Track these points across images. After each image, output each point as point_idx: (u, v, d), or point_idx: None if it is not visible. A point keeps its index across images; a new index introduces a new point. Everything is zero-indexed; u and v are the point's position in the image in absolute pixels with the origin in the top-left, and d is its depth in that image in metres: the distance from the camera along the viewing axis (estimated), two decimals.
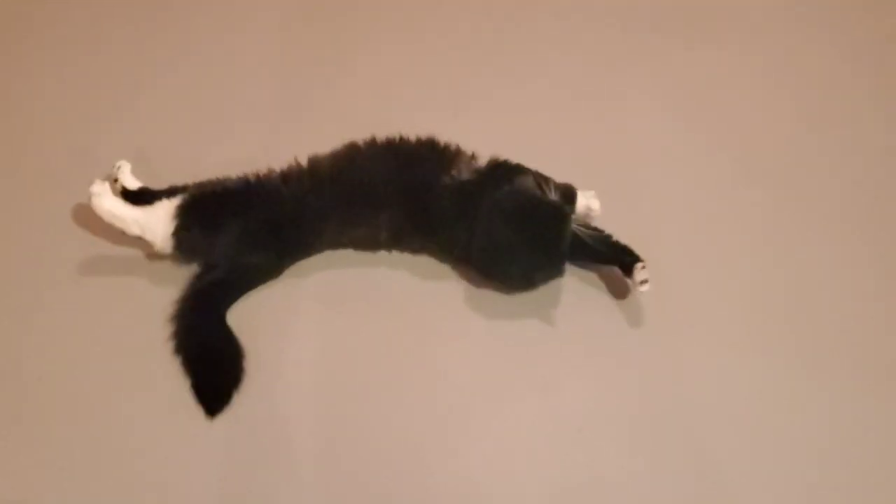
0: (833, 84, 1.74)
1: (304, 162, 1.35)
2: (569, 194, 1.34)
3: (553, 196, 1.30)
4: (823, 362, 1.29)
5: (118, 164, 1.40)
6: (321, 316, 1.32)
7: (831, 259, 1.42)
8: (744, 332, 1.33)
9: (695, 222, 1.47)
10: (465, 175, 1.34)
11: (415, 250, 1.39)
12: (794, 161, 1.58)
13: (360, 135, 1.37)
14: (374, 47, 1.79)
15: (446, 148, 1.36)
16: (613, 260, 1.34)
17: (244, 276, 1.33)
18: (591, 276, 1.38)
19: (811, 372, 1.28)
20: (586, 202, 1.37)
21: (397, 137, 1.37)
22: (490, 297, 1.35)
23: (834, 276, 1.40)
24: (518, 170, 1.37)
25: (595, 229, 1.34)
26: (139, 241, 1.32)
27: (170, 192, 1.35)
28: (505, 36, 1.83)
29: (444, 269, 1.38)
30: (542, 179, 1.33)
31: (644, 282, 1.28)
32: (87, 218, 1.37)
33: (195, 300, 1.29)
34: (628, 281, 1.32)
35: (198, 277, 1.32)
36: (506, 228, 1.28)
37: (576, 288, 1.36)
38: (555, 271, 1.33)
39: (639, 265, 1.29)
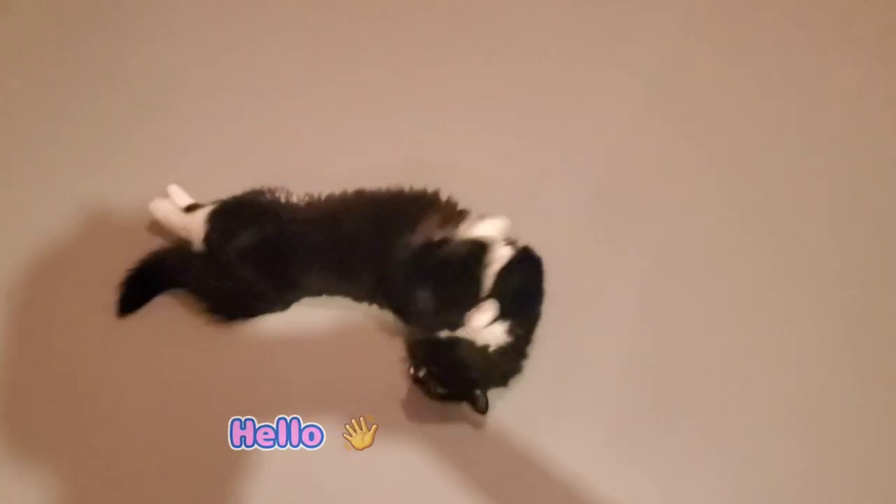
0: None
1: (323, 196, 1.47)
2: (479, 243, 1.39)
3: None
4: None
5: (168, 188, 1.58)
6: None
7: None
8: None
9: None
10: (417, 241, 1.38)
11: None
12: None
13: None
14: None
15: (413, 203, 1.42)
16: None
17: (242, 293, 1.46)
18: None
19: None
20: (493, 228, 1.40)
21: (385, 191, 1.44)
22: None
23: None
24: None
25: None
26: None
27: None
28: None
29: None
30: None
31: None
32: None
33: (155, 262, 1.49)
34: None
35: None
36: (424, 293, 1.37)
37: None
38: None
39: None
